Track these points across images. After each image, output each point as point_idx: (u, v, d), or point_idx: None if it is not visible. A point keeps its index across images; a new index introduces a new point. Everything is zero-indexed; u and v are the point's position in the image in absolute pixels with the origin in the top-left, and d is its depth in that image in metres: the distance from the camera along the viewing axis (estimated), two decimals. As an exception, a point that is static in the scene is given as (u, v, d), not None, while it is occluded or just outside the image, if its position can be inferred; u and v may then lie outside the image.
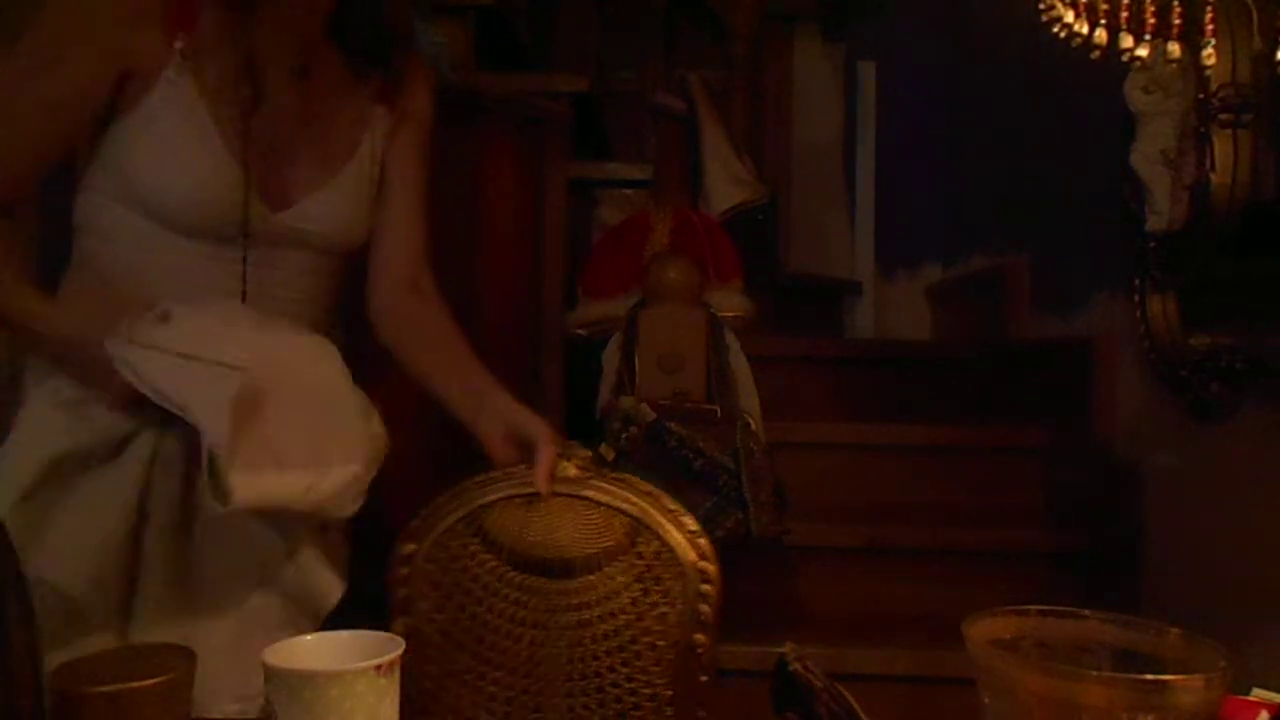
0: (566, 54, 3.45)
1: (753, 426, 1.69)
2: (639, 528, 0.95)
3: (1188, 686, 0.55)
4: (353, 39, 1.08)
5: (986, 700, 0.59)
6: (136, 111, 1.00)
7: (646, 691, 0.94)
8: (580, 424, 1.86)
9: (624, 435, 1.58)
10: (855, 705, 0.65)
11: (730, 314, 2.12)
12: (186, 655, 0.69)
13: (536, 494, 0.96)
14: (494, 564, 0.97)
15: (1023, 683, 0.57)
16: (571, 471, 0.97)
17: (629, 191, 3.11)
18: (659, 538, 0.94)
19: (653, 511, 0.95)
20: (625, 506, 0.95)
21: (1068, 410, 2.07)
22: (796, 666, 0.66)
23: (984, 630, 0.62)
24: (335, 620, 1.08)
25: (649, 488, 0.97)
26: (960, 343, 2.77)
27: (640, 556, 0.95)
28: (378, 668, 0.64)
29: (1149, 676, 0.55)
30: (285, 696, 0.63)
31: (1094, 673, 0.58)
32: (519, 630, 0.95)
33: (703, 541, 0.95)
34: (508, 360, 1.31)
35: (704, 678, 0.93)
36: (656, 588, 0.95)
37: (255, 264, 1.04)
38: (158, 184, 1.00)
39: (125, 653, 0.71)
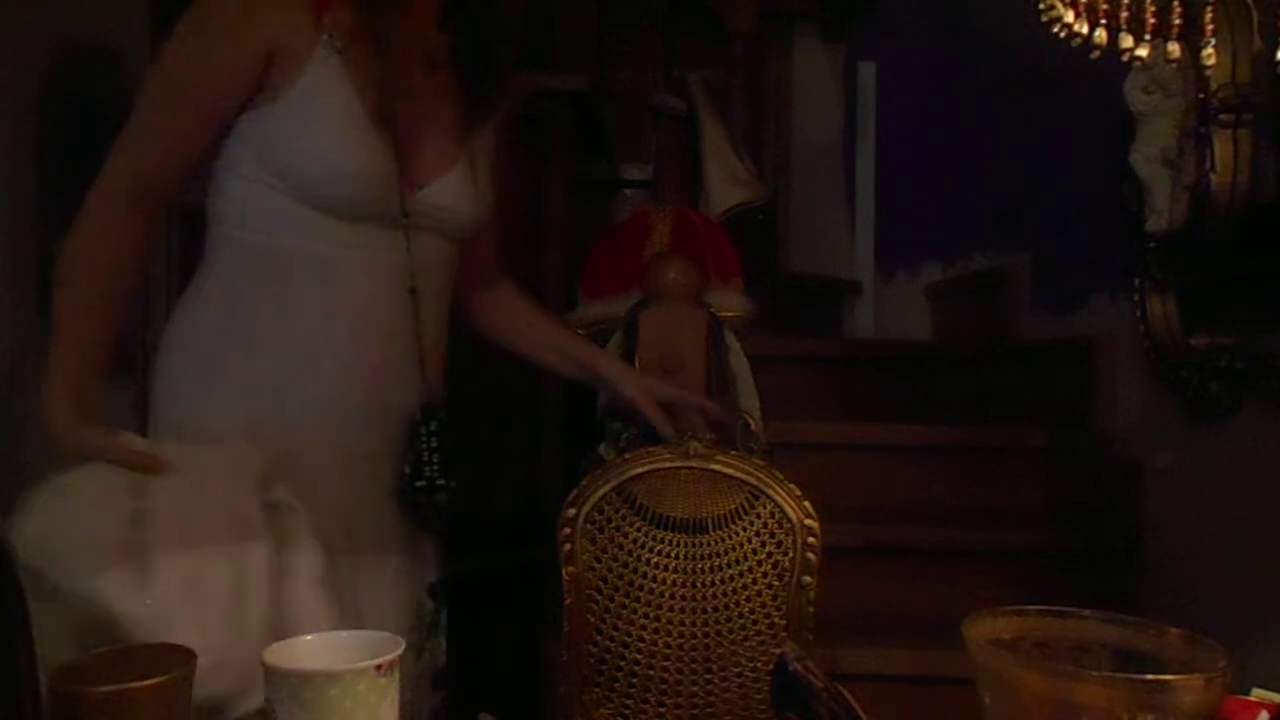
0: (566, 54, 3.44)
1: (753, 426, 1.69)
2: (758, 493, 1.20)
3: (1188, 686, 0.55)
4: (466, 39, 1.14)
5: (986, 700, 0.59)
6: (287, 95, 1.01)
7: (766, 621, 1.20)
8: (580, 424, 1.85)
9: (624, 435, 1.58)
10: (855, 705, 0.65)
11: (730, 314, 2.11)
12: (186, 655, 0.69)
13: (674, 468, 1.20)
14: (641, 524, 1.21)
15: (1023, 683, 0.57)
16: (700, 449, 1.20)
17: (629, 191, 3.11)
18: (773, 500, 1.20)
19: (767, 480, 1.20)
20: (745, 477, 1.20)
21: (1068, 410, 2.07)
22: (796, 666, 0.66)
23: (984, 630, 0.62)
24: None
25: (762, 462, 1.22)
26: (960, 343, 2.77)
27: (758, 516, 1.21)
28: (378, 668, 0.64)
29: (1149, 676, 0.55)
30: (285, 696, 0.63)
31: (1094, 673, 0.58)
32: (662, 575, 1.21)
33: (807, 503, 1.20)
34: (508, 360, 1.31)
35: (811, 609, 1.19)
36: (772, 540, 1.20)
37: (403, 244, 1.07)
38: (314, 166, 1.02)
39: (125, 653, 0.71)
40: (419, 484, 1.10)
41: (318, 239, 1.04)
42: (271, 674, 0.64)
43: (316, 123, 1.02)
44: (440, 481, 1.11)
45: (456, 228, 1.13)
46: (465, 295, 1.24)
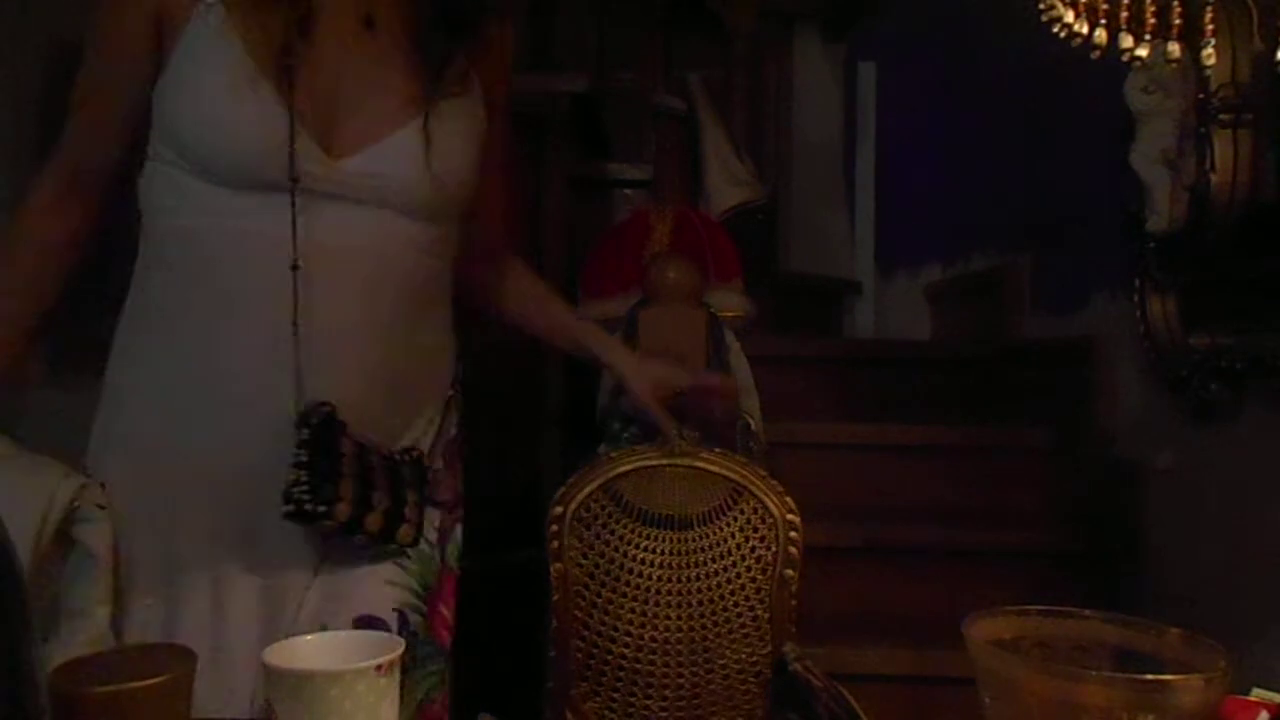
0: (566, 54, 3.44)
1: (753, 427, 1.69)
2: (741, 489, 1.22)
3: (1188, 686, 0.55)
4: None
5: (986, 700, 0.59)
6: (173, 57, 0.95)
7: (751, 615, 1.21)
8: (581, 425, 1.85)
9: (624, 435, 1.58)
10: (855, 705, 0.65)
11: (730, 314, 2.12)
12: (186, 655, 0.69)
13: (660, 465, 1.20)
14: (627, 521, 1.22)
15: (1023, 683, 0.57)
16: (685, 446, 1.21)
17: (629, 191, 3.11)
18: (755, 496, 1.22)
19: (750, 477, 1.22)
20: (728, 473, 1.22)
21: (1068, 410, 2.07)
22: (796, 666, 0.66)
23: (984, 630, 0.62)
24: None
25: (744, 459, 1.24)
26: (960, 343, 2.77)
27: (742, 512, 1.22)
28: (378, 668, 0.64)
29: (1149, 676, 0.55)
30: (285, 696, 0.63)
31: (1094, 673, 0.58)
32: (649, 570, 1.22)
33: (789, 499, 1.21)
34: (508, 360, 1.31)
35: (794, 602, 1.20)
36: (755, 535, 1.22)
37: (314, 217, 0.94)
38: (196, 129, 0.94)
39: (125, 653, 0.71)
40: (287, 509, 0.90)
41: (209, 215, 0.95)
42: (271, 674, 0.64)
43: (193, 79, 0.94)
44: (309, 506, 0.90)
45: (406, 200, 0.99)
46: (467, 272, 1.15)
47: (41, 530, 0.86)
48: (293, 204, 0.93)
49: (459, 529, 1.13)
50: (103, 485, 0.94)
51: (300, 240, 0.94)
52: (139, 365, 1.02)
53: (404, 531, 0.98)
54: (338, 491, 0.91)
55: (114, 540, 0.92)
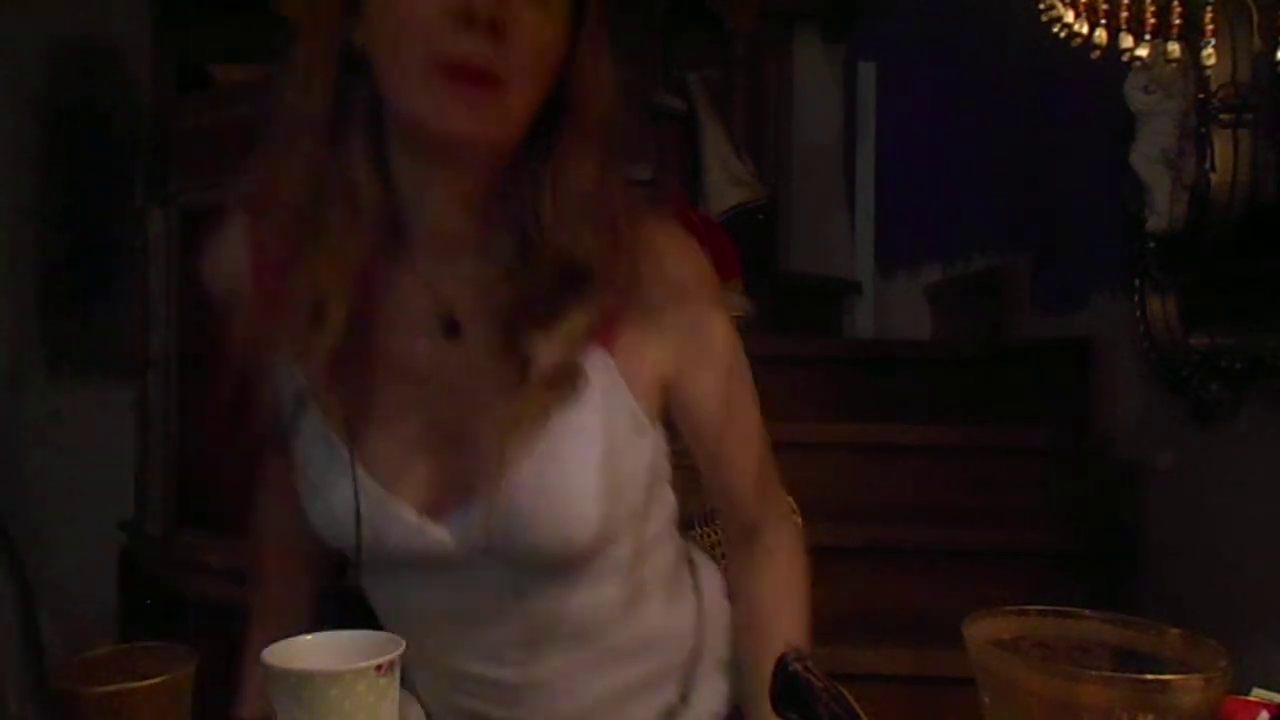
0: (566, 54, 3.44)
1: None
2: None
3: (1188, 686, 0.55)
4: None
5: (986, 700, 0.59)
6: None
7: None
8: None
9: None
10: (855, 705, 0.65)
11: (730, 314, 2.11)
12: (186, 655, 0.69)
13: None
14: None
15: (1023, 683, 0.57)
16: None
17: (629, 191, 3.10)
18: None
19: None
20: None
21: (1068, 410, 2.07)
22: (796, 666, 0.66)
23: (984, 630, 0.62)
24: (335, 620, 1.08)
25: None
26: (960, 343, 2.77)
27: None
28: (378, 668, 0.64)
29: (1149, 676, 0.55)
30: (285, 696, 0.63)
31: (1094, 673, 0.58)
32: None
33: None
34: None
35: None
36: None
37: (408, 586, 0.81)
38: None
39: (125, 653, 0.71)
40: None
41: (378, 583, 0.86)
42: (271, 674, 0.64)
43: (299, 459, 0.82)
44: None
45: (524, 558, 0.78)
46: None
47: None
48: (356, 570, 0.80)
49: None
50: None
51: (395, 606, 0.82)
52: None
53: None
54: None
55: None
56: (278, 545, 0.94)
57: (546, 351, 0.74)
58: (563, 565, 0.79)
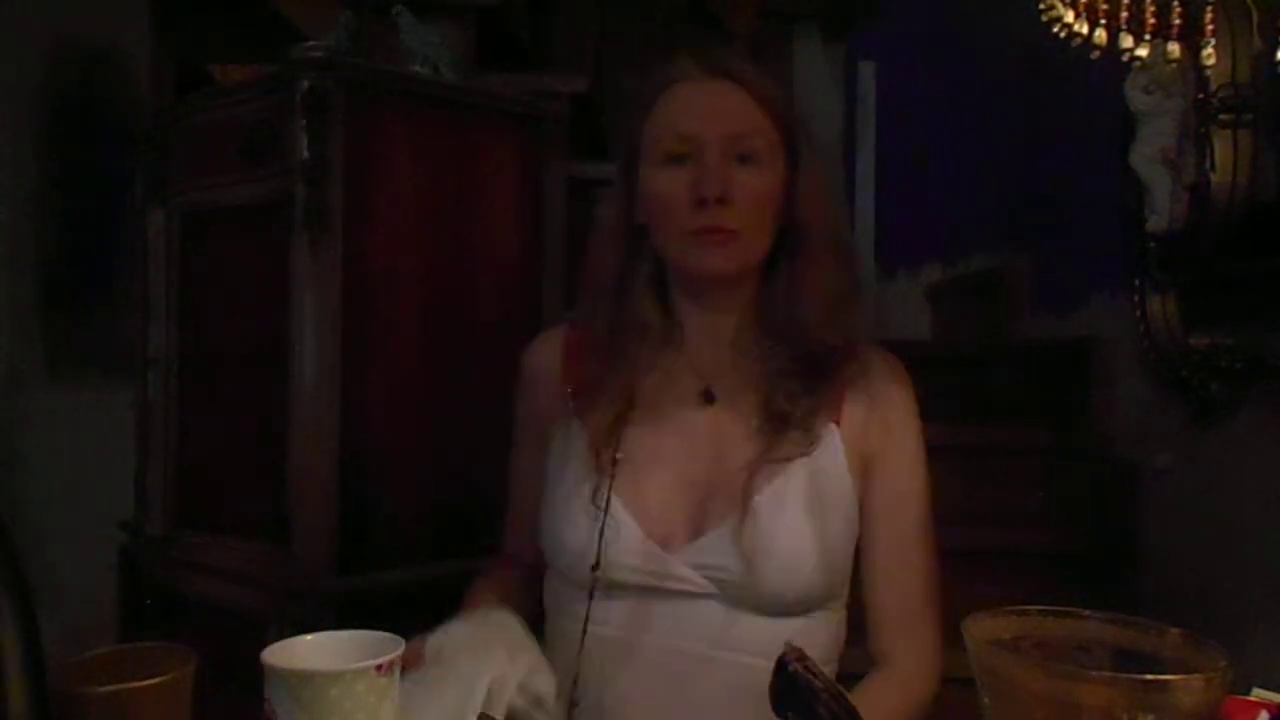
0: (566, 54, 3.44)
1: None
2: None
3: (1188, 686, 0.55)
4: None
5: (986, 700, 0.59)
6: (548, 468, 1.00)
7: None
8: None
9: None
10: (855, 705, 0.65)
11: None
12: (186, 655, 0.69)
13: None
14: None
15: (1023, 683, 0.57)
16: None
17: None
18: None
19: None
20: None
21: (1068, 410, 2.07)
22: (796, 666, 0.66)
23: (984, 630, 0.62)
24: (335, 621, 1.08)
25: None
26: (960, 343, 2.76)
27: None
28: (378, 668, 0.64)
29: (1149, 676, 0.55)
30: (285, 696, 0.63)
31: (1094, 673, 0.58)
32: None
33: None
34: (507, 360, 1.31)
35: None
36: None
37: (645, 613, 0.91)
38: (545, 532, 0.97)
39: (125, 653, 0.71)
40: None
41: (562, 617, 0.97)
42: (271, 674, 0.64)
43: (551, 488, 1.01)
44: None
45: (738, 595, 0.91)
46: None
47: None
48: (590, 596, 0.90)
49: None
50: None
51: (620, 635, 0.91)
52: None
53: None
54: None
55: None
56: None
57: (796, 411, 0.93)
58: (782, 606, 0.90)
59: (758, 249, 0.95)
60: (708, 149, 0.92)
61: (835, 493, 0.94)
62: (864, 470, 0.97)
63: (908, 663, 0.99)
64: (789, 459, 0.92)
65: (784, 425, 0.93)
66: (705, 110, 0.94)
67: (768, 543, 0.89)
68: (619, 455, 0.92)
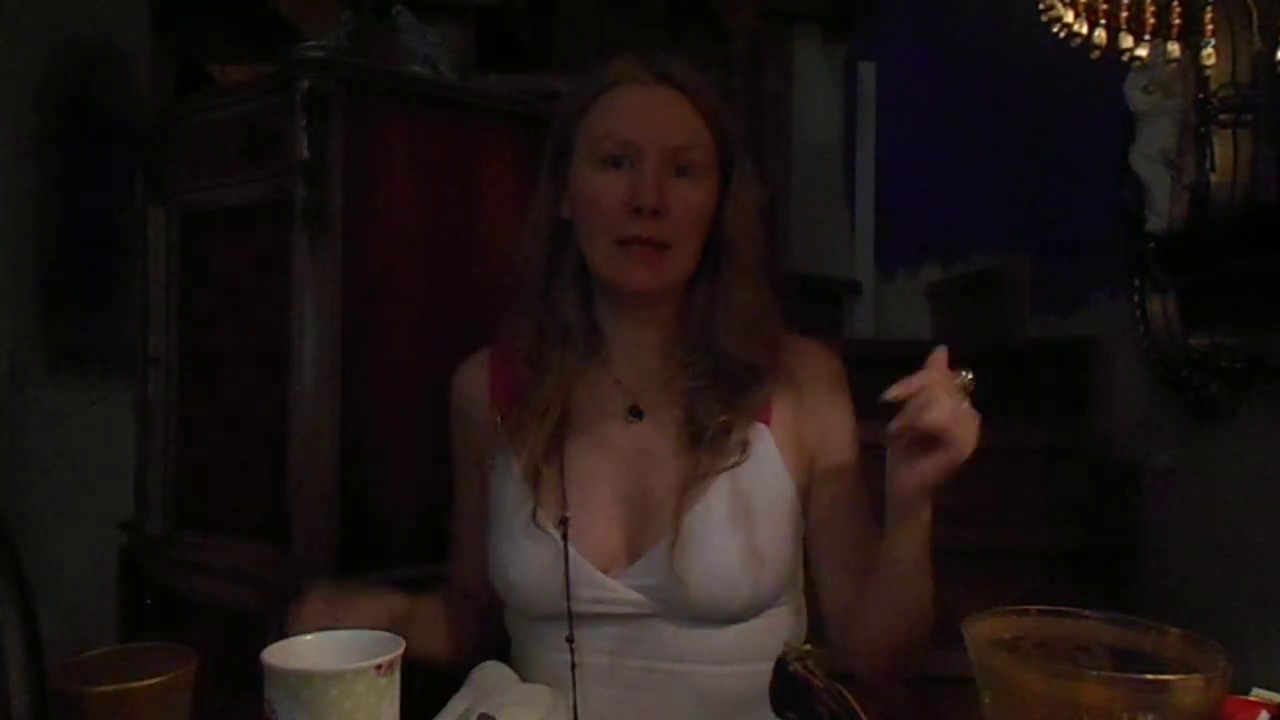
0: (566, 54, 3.44)
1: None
2: None
3: (1188, 686, 0.55)
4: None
5: (986, 700, 0.59)
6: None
7: None
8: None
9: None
10: (855, 705, 0.65)
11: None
12: (186, 655, 0.69)
13: None
14: None
15: (1023, 683, 0.57)
16: None
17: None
18: None
19: None
20: None
21: (1068, 410, 2.07)
22: (796, 666, 0.66)
23: (984, 630, 0.62)
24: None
25: None
26: (960, 342, 2.76)
27: None
28: (378, 668, 0.64)
29: (1149, 676, 0.55)
30: (285, 696, 0.63)
31: (1094, 673, 0.58)
32: None
33: None
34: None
35: None
36: None
37: (593, 638, 0.92)
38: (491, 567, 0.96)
39: (125, 653, 0.71)
40: None
41: (527, 644, 0.99)
42: (271, 674, 0.64)
43: (494, 521, 0.99)
44: None
45: (676, 611, 0.91)
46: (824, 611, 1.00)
47: None
48: (570, 631, 0.91)
49: None
50: None
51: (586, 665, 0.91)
52: None
53: None
54: None
55: None
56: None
57: (718, 424, 0.92)
58: (728, 615, 0.90)
59: (684, 265, 0.94)
60: (646, 157, 0.90)
61: (770, 496, 0.93)
62: (806, 465, 0.97)
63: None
64: (717, 472, 0.91)
65: (709, 440, 0.92)
66: (647, 117, 0.92)
67: (698, 561, 0.88)
68: (560, 478, 0.93)
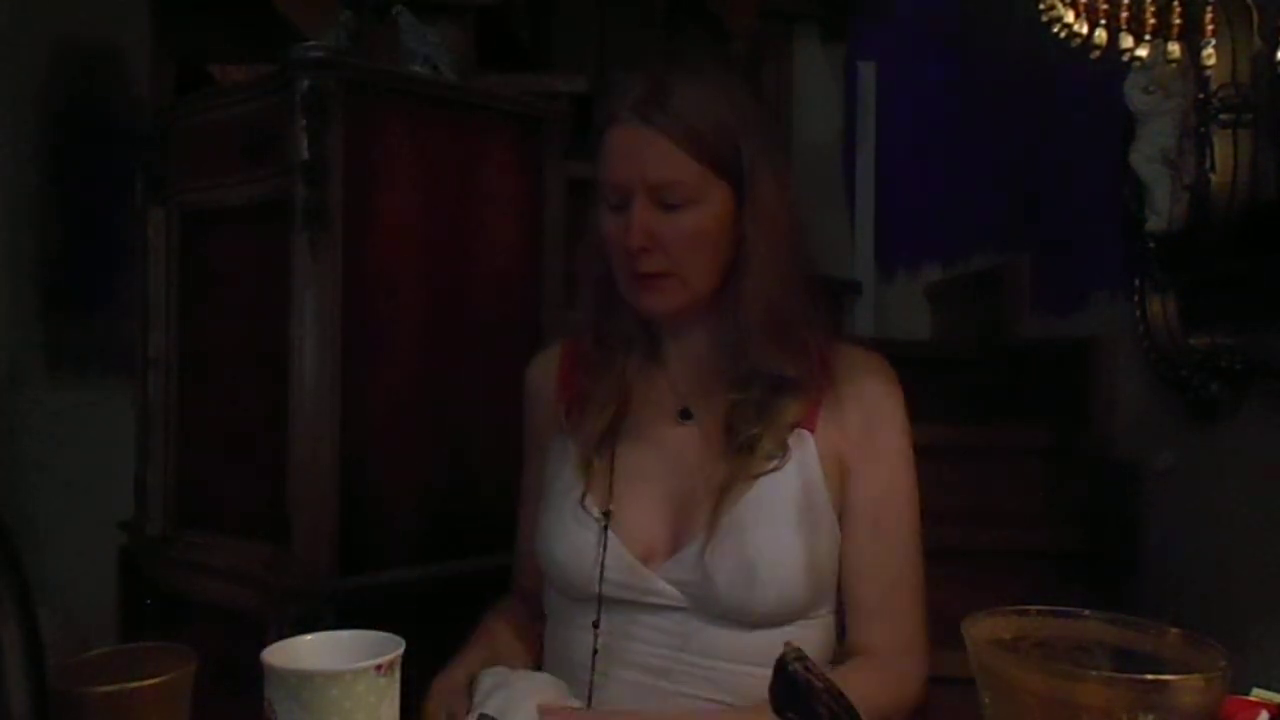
0: (566, 54, 3.44)
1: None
2: None
3: (1188, 686, 0.55)
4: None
5: (986, 700, 0.59)
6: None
7: None
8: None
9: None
10: (855, 705, 0.65)
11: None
12: (186, 655, 0.69)
13: None
14: None
15: (1023, 683, 0.57)
16: None
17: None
18: None
19: None
20: None
21: (1068, 410, 2.07)
22: (796, 666, 0.66)
23: (984, 630, 0.62)
24: (335, 621, 1.08)
25: None
26: (960, 342, 2.76)
27: None
28: (378, 668, 0.64)
29: (1149, 676, 0.55)
30: (285, 696, 0.63)
31: (1094, 673, 0.58)
32: None
33: None
34: (507, 361, 1.32)
35: None
36: None
37: (627, 625, 0.95)
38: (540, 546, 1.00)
39: (125, 653, 0.71)
40: None
41: (561, 624, 1.03)
42: (271, 674, 0.64)
43: (545, 502, 1.04)
44: None
45: (715, 609, 0.93)
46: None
47: None
48: (597, 617, 0.95)
49: None
50: None
51: (611, 650, 0.95)
52: None
53: None
54: None
55: None
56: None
57: (756, 433, 0.94)
58: (751, 619, 0.92)
59: (697, 286, 0.96)
60: (634, 198, 0.93)
61: (804, 505, 0.94)
62: (841, 473, 0.98)
63: (891, 657, 1.01)
64: (752, 477, 0.93)
65: (747, 444, 0.94)
66: (630, 160, 0.94)
67: (727, 561, 0.91)
68: (610, 471, 0.98)
